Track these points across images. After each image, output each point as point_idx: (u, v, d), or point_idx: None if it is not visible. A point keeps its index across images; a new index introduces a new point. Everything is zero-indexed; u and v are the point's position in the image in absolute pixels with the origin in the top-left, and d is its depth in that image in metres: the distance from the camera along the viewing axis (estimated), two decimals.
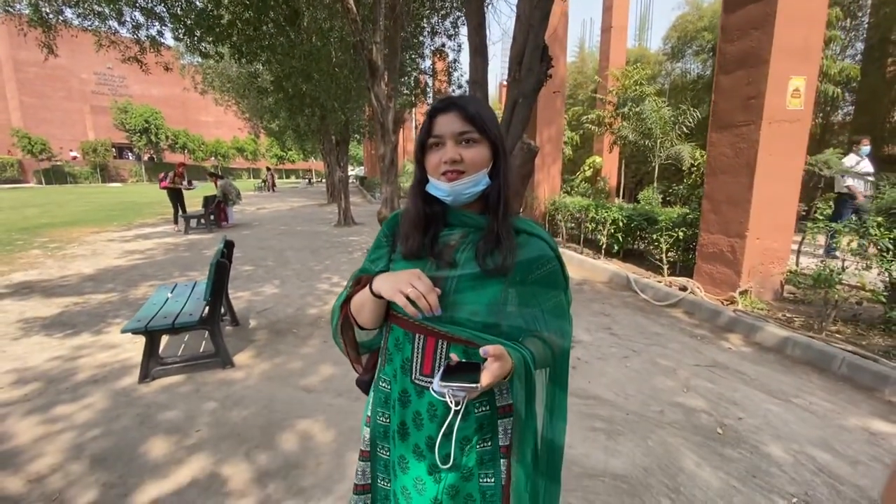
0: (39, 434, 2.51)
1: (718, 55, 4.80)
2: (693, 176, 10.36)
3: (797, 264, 5.31)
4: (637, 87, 10.28)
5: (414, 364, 0.92)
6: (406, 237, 0.96)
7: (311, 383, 3.05)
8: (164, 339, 3.69)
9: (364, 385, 1.16)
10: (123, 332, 2.91)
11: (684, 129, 8.99)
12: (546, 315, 0.95)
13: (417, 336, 0.92)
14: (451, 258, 0.92)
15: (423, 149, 0.93)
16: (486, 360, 0.79)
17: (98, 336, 3.93)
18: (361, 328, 1.00)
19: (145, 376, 3.03)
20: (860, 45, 11.50)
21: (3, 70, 42.95)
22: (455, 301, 0.89)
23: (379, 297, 0.88)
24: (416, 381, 0.92)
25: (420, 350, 0.92)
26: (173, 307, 3.34)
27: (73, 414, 2.72)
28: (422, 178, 0.95)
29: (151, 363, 3.06)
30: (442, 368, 0.80)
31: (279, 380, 3.11)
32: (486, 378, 0.76)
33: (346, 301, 0.99)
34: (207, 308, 3.18)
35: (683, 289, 4.90)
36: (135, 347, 3.55)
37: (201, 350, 3.53)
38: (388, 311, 0.97)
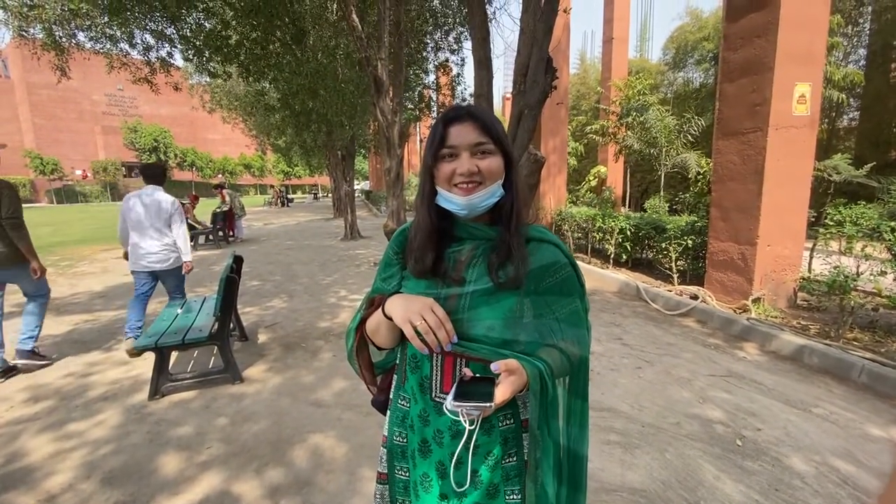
0: (51, 452, 2.50)
1: (722, 63, 4.82)
2: (699, 184, 10.33)
3: (809, 270, 5.24)
4: (640, 97, 10.33)
5: (433, 382, 0.90)
6: (418, 253, 0.93)
7: (321, 398, 3.03)
8: (174, 355, 3.69)
9: (380, 405, 1.13)
10: (135, 348, 2.91)
11: (689, 137, 9.00)
12: (561, 324, 0.92)
13: (435, 354, 0.90)
14: (462, 275, 0.91)
15: (433, 159, 0.91)
16: (499, 374, 0.77)
17: (109, 353, 3.94)
18: (379, 349, 0.98)
19: (155, 393, 3.02)
20: (862, 51, 11.51)
21: (17, 93, 43.99)
22: (470, 318, 0.87)
23: (391, 319, 0.87)
24: (437, 399, 0.90)
25: (438, 367, 0.90)
26: (183, 323, 3.35)
27: (85, 431, 2.71)
28: (431, 190, 0.92)
29: (161, 379, 3.05)
30: (455, 385, 0.78)
31: (289, 395, 3.09)
32: (499, 395, 0.75)
33: (361, 323, 0.98)
34: (217, 323, 3.18)
35: (694, 297, 4.84)
36: (145, 364, 3.55)
37: (211, 366, 3.53)
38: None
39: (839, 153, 5.62)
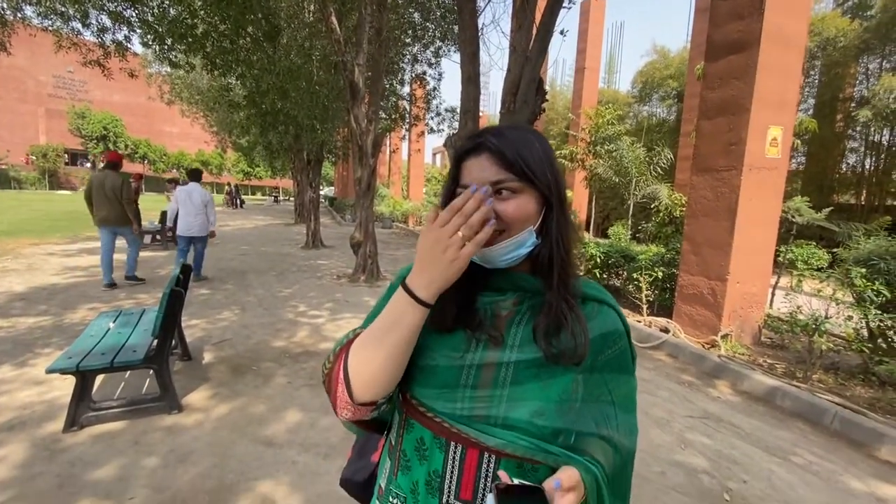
0: None
1: (700, 101, 4.90)
2: (661, 214, 10.65)
3: (771, 306, 5.37)
4: (609, 127, 10.58)
5: (447, 483, 0.66)
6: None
7: (273, 434, 2.67)
8: (101, 377, 3.21)
9: (354, 488, 0.87)
10: (49, 371, 2.46)
11: (659, 169, 9.24)
12: (617, 409, 0.73)
13: (453, 444, 0.66)
14: (502, 333, 0.69)
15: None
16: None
17: (22, 369, 3.39)
18: (359, 403, 0.66)
19: (72, 424, 2.57)
20: (811, 101, 12.39)
21: None
22: (512, 396, 0.65)
23: (424, 304, 0.60)
24: None
25: (456, 464, 0.66)
26: (114, 340, 2.90)
27: None
28: None
29: (81, 408, 2.60)
30: (492, 497, 0.55)
31: (235, 429, 2.72)
32: None
33: (349, 344, 0.68)
34: (156, 343, 2.77)
35: (665, 330, 4.82)
36: (65, 385, 3.06)
37: (144, 390, 3.08)
38: (406, 399, 0.71)
39: (798, 196, 5.90)
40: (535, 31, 3.30)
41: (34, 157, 39.68)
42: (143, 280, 6.38)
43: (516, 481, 0.58)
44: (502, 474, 0.60)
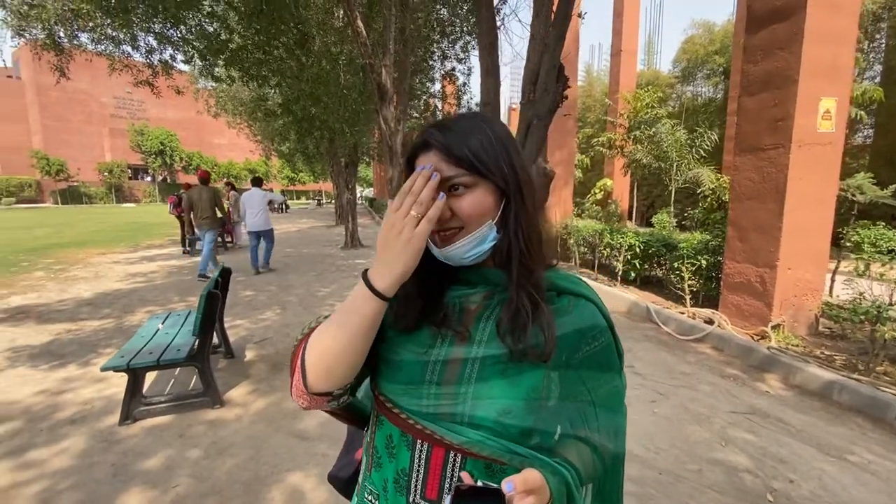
0: (6, 484, 2.27)
1: (742, 76, 4.59)
2: (709, 199, 10.07)
3: (831, 294, 4.97)
4: (649, 110, 10.12)
5: (413, 481, 0.65)
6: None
7: (305, 428, 2.77)
8: (154, 373, 3.45)
9: (338, 485, 0.88)
10: (103, 369, 2.67)
11: (701, 152, 8.76)
12: (597, 409, 0.68)
13: (419, 443, 0.65)
14: (468, 329, 0.67)
15: None
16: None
17: (86, 368, 3.70)
18: (314, 393, 0.64)
19: (126, 418, 2.78)
20: (878, 68, 11.30)
21: (27, 94, 44.28)
22: (478, 393, 0.63)
23: (383, 297, 0.59)
24: None
25: (422, 462, 0.65)
26: (162, 340, 3.11)
27: (45, 461, 2.47)
28: None
29: (133, 403, 2.81)
30: (449, 499, 0.53)
31: (271, 423, 2.84)
32: None
33: (310, 333, 0.68)
34: (197, 342, 2.94)
35: (709, 322, 4.57)
36: (123, 382, 3.29)
37: (191, 387, 3.28)
38: (375, 395, 0.71)
39: (862, 172, 5.39)
40: (552, 18, 3.21)
41: (106, 174, 43.09)
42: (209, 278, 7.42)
43: (480, 483, 0.56)
44: (465, 475, 0.59)
